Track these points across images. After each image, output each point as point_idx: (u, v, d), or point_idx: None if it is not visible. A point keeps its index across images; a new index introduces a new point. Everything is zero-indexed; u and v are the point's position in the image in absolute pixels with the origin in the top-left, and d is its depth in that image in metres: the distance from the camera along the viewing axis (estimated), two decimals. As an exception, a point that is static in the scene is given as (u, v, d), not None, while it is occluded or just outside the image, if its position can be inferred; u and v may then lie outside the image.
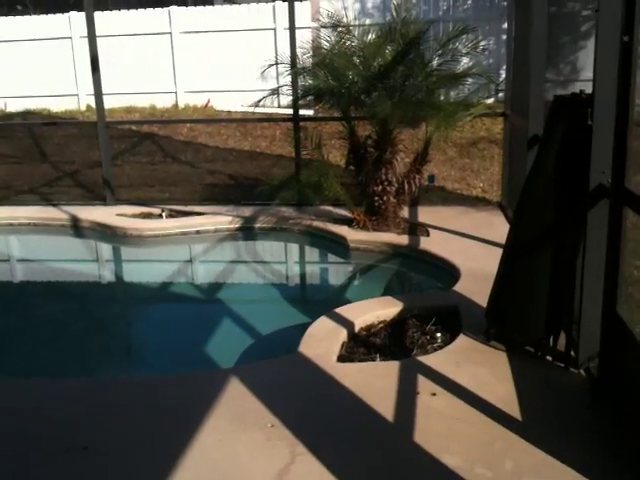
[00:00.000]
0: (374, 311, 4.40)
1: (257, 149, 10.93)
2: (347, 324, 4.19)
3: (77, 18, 13.14)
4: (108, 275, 6.47)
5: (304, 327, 4.20)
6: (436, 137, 6.32)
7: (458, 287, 4.85)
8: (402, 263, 5.96)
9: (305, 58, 6.12)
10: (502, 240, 4.10)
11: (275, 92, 6.45)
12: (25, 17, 14.40)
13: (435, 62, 5.84)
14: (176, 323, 5.12)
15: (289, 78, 6.61)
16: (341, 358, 3.81)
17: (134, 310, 5.57)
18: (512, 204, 6.80)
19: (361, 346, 3.98)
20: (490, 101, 10.72)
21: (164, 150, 11.22)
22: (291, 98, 7.00)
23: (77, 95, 13.47)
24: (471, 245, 5.89)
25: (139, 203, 7.81)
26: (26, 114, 13.35)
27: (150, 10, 13.39)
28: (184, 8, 13.39)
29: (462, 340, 3.95)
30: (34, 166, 10.37)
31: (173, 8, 13.26)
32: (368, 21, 9.77)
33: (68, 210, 7.60)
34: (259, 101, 6.53)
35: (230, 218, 7.08)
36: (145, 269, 6.62)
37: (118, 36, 13.32)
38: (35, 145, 11.54)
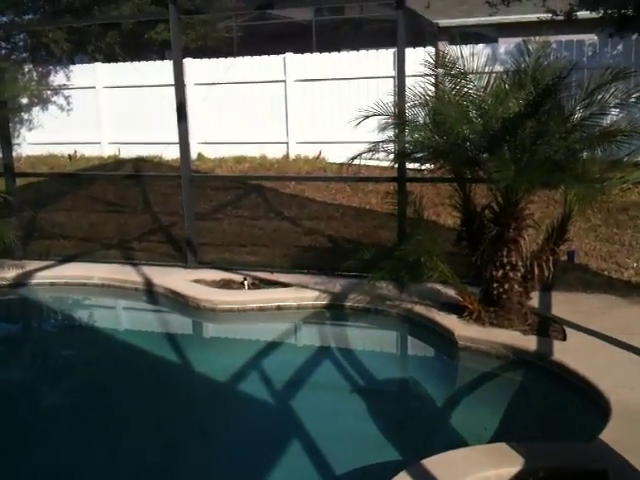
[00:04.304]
0: (480, 469, 3.06)
1: (366, 206, 9.87)
2: (437, 492, 2.88)
3: (190, 65, 12.99)
4: (161, 360, 5.12)
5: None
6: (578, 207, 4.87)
7: (607, 434, 3.38)
8: (526, 379, 4.51)
9: (409, 109, 4.96)
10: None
11: (374, 149, 5.34)
12: (142, 63, 14.36)
13: (578, 115, 4.45)
14: (212, 446, 4.00)
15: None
16: None
17: (166, 416, 4.34)
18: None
19: (453, 537, 2.65)
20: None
21: (268, 203, 10.46)
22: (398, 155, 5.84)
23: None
24: (625, 359, 4.37)
25: (223, 267, 6.93)
26: (137, 161, 13.21)
27: (265, 57, 12.91)
28: (300, 55, 12.77)
29: None
30: (132, 216, 9.90)
31: (288, 55, 12.70)
32: (498, 68, 8.53)
33: (145, 272, 6.85)
34: (354, 157, 5.52)
35: (317, 293, 5.98)
36: (204, 355, 5.44)
37: (232, 84, 12.99)
38: (141, 193, 11.19)
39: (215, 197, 10.64)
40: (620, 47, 10.82)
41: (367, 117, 5.09)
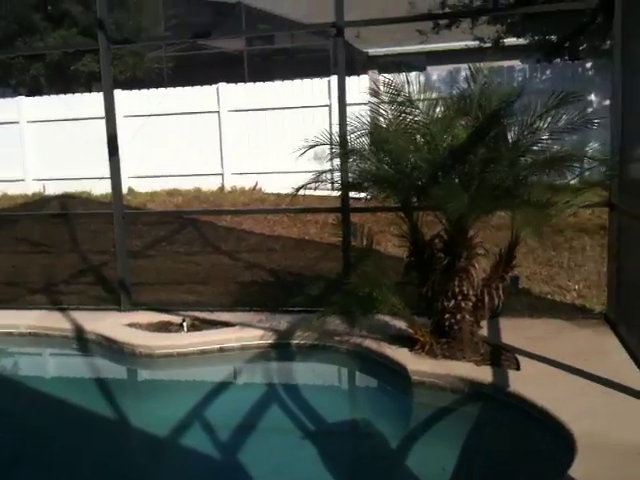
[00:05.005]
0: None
1: (306, 236, 9.69)
2: None
3: (119, 97, 12.56)
4: (93, 415, 4.71)
5: None
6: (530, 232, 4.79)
7: (577, 470, 3.25)
8: (484, 413, 4.34)
9: (354, 138, 4.80)
10: (624, 379, 2.63)
11: (318, 179, 5.14)
12: (69, 96, 13.86)
13: (525, 140, 4.38)
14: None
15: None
16: None
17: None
18: (626, 319, 5.22)
19: None
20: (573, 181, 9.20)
21: (205, 237, 10.12)
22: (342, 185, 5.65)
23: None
24: (581, 387, 4.27)
25: (159, 308, 6.52)
26: (65, 197, 12.62)
27: (197, 87, 12.66)
28: (233, 85, 12.58)
29: None
30: (60, 257, 9.34)
31: (221, 85, 12.49)
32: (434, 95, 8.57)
33: (75, 317, 6.38)
34: (299, 188, 5.30)
35: (262, 332, 5.69)
36: (140, 407, 5.04)
37: (164, 115, 12.66)
38: (69, 232, 10.62)
39: (148, 233, 10.21)
40: (549, 72, 11.14)
41: (312, 147, 4.88)
